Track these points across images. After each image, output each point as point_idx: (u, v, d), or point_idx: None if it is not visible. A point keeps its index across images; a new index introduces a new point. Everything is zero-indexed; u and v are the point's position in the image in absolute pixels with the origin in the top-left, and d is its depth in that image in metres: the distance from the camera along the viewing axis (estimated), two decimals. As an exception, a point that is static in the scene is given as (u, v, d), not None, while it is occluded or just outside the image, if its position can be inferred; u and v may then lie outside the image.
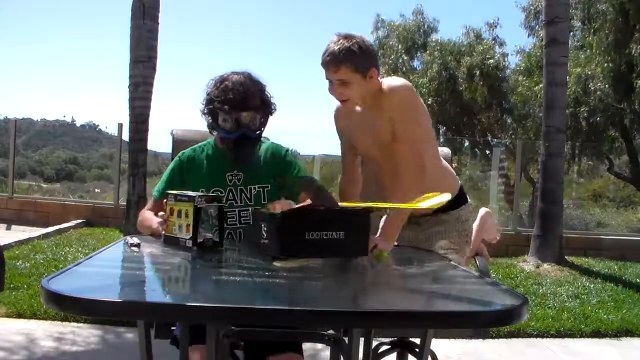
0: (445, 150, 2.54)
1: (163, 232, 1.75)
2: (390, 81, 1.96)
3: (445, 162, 2.19)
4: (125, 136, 6.87)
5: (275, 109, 2.00)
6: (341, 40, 1.89)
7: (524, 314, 1.20)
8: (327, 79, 1.94)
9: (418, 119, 1.96)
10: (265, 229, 1.58)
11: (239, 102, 1.89)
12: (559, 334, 3.94)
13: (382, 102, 1.94)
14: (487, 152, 13.73)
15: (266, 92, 1.97)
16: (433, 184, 1.86)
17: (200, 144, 2.05)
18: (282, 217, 1.56)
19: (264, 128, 1.99)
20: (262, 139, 2.04)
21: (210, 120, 1.96)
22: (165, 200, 1.76)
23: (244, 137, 1.91)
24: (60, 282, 1.20)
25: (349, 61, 1.87)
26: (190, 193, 1.72)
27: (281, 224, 1.54)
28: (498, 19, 14.96)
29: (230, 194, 1.94)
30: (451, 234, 2.11)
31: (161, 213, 1.80)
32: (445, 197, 1.67)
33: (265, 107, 1.96)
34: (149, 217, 1.91)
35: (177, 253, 1.76)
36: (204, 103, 1.96)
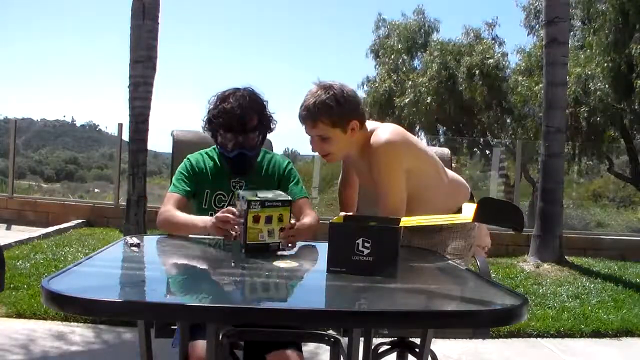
0: (444, 151, 2.54)
1: (242, 242, 1.68)
2: (376, 136, 1.85)
3: (452, 175, 2.15)
4: (125, 136, 6.87)
5: (275, 126, 2.04)
6: (318, 92, 1.80)
7: (524, 314, 1.20)
8: (306, 133, 1.87)
9: (390, 182, 1.84)
10: (367, 244, 1.43)
11: (236, 126, 1.92)
12: (559, 334, 3.94)
13: (369, 154, 1.86)
14: (487, 152, 13.74)
15: (265, 111, 1.99)
16: (440, 205, 1.89)
17: (206, 149, 2.08)
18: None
19: (261, 145, 2.04)
20: (266, 150, 2.11)
21: (210, 136, 2.01)
22: (246, 209, 1.64)
23: (240, 155, 1.95)
24: (60, 282, 1.20)
25: (325, 116, 1.79)
26: (281, 196, 1.70)
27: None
28: (497, 18, 15.01)
29: (234, 198, 1.96)
30: (457, 241, 2.11)
31: (232, 214, 1.72)
32: (467, 214, 1.64)
33: (263, 126, 1.99)
34: (189, 217, 1.90)
35: (177, 253, 1.76)
36: (204, 121, 1.99)
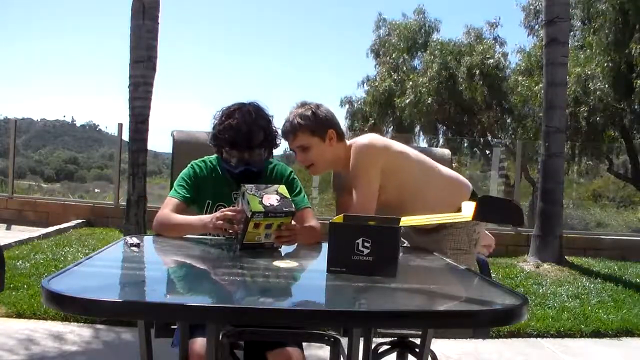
0: (444, 152, 2.54)
1: (239, 241, 1.73)
2: (355, 142, 2.01)
3: (450, 174, 2.18)
4: (125, 136, 6.88)
5: (280, 142, 2.03)
6: (296, 110, 1.99)
7: (524, 314, 1.20)
8: (290, 149, 2.04)
9: (361, 180, 1.97)
10: (367, 244, 1.43)
11: (242, 142, 1.91)
12: (559, 334, 3.94)
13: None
14: (487, 152, 13.74)
15: (271, 126, 1.99)
16: (436, 204, 1.90)
17: (209, 157, 2.07)
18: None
19: (267, 160, 2.03)
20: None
21: (215, 151, 2.00)
22: (248, 217, 1.67)
23: (246, 171, 1.95)
24: (60, 282, 1.20)
25: (304, 125, 1.97)
26: (286, 204, 1.72)
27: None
28: (499, 19, 14.99)
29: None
30: (461, 237, 2.14)
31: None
32: (467, 213, 1.66)
33: (268, 142, 1.98)
34: (185, 217, 1.90)
35: (176, 253, 1.76)
36: (210, 136, 1.99)
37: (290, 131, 1.99)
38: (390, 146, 2.05)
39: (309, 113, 1.97)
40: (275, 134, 2.01)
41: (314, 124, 1.97)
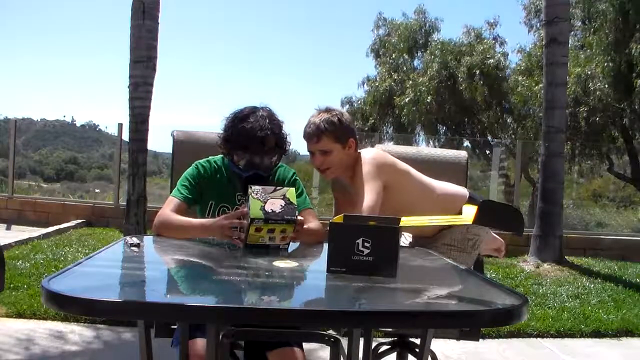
0: (461, 154, 2.53)
1: (241, 244, 1.74)
2: (362, 154, 2.08)
3: (445, 189, 2.19)
4: (125, 136, 6.89)
5: (289, 147, 2.03)
6: (321, 114, 2.05)
7: (524, 314, 1.20)
8: (309, 150, 2.09)
9: (367, 187, 1.99)
10: (367, 244, 1.43)
11: (254, 147, 1.91)
12: (559, 334, 3.94)
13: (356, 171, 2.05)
14: (487, 152, 13.74)
15: (282, 132, 1.98)
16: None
17: (214, 157, 2.05)
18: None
19: (276, 165, 2.03)
20: None
21: (225, 153, 1.99)
22: (249, 221, 1.68)
23: (255, 175, 1.94)
24: (60, 282, 1.20)
25: (330, 131, 2.03)
26: (287, 214, 1.70)
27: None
28: (498, 17, 15.01)
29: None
30: (454, 235, 2.16)
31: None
32: (467, 216, 1.68)
33: (279, 148, 1.98)
34: (186, 220, 1.89)
35: (177, 253, 1.76)
36: (221, 139, 1.97)
37: (315, 134, 2.04)
38: (397, 164, 2.10)
39: (335, 119, 2.04)
40: (286, 140, 2.00)
41: (339, 130, 2.04)
